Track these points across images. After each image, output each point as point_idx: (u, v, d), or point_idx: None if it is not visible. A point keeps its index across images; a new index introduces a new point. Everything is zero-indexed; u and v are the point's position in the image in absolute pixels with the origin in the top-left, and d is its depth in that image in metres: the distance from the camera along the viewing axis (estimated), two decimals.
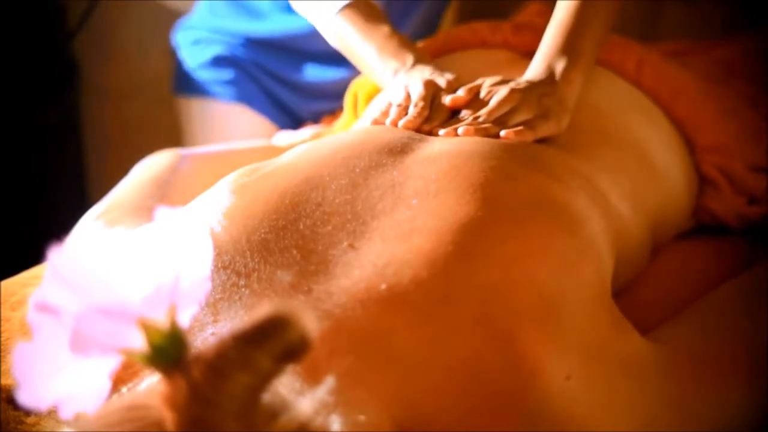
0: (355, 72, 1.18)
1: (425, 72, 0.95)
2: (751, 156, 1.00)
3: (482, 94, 0.88)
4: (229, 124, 1.39)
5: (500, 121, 0.85)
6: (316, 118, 1.38)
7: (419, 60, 0.97)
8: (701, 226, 1.02)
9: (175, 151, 1.11)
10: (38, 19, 1.61)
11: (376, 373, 0.60)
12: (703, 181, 1.00)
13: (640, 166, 0.91)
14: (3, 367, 0.68)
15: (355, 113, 1.11)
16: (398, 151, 0.77)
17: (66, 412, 0.42)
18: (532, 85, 0.89)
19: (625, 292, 0.86)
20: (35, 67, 1.61)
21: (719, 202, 0.99)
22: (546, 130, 0.85)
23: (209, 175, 0.90)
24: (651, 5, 1.31)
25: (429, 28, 1.34)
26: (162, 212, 0.48)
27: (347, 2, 1.02)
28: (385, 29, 1.00)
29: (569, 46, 0.92)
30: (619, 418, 0.64)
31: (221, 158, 1.10)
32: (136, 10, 1.72)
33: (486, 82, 0.91)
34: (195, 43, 1.43)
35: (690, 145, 1.00)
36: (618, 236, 0.80)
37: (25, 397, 0.41)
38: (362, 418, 0.58)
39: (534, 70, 0.93)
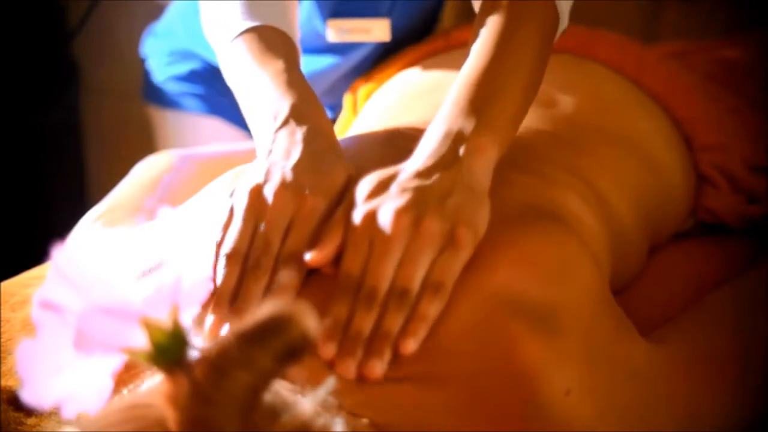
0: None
1: (287, 140, 0.70)
2: (750, 155, 1.00)
3: (357, 219, 0.63)
4: (202, 137, 1.34)
5: (399, 291, 0.61)
6: None
7: (296, 113, 0.73)
8: (701, 226, 1.02)
9: (175, 152, 1.11)
10: (38, 19, 1.61)
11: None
12: (702, 180, 1.01)
13: (639, 163, 0.91)
14: (3, 369, 0.68)
15: (354, 111, 1.11)
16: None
17: (68, 412, 0.42)
18: (427, 183, 0.64)
19: (625, 292, 0.86)
20: (35, 67, 1.61)
21: (718, 201, 0.99)
22: (459, 263, 0.63)
23: (209, 177, 0.90)
24: (651, 5, 1.31)
25: (428, 27, 1.33)
26: (164, 212, 0.48)
27: (247, 27, 0.81)
28: (278, 64, 0.77)
29: (478, 109, 0.69)
30: (621, 424, 0.64)
31: (221, 159, 1.10)
32: (136, 10, 1.72)
33: (360, 194, 0.65)
34: (170, 54, 1.34)
35: (689, 144, 1.01)
36: (616, 236, 0.80)
37: (28, 396, 0.41)
38: (365, 420, 0.58)
39: (428, 143, 0.68)
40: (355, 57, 1.15)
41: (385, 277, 0.61)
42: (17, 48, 1.57)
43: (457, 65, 0.98)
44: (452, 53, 1.06)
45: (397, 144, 0.78)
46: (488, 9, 0.75)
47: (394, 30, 1.12)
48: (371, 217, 0.63)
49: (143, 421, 0.45)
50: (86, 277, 0.41)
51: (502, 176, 0.72)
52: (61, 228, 0.92)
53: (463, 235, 0.62)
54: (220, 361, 0.42)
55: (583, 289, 0.67)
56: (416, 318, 0.61)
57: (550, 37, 0.76)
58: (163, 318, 0.43)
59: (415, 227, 0.62)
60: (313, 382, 0.54)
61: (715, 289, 0.82)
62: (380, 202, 0.64)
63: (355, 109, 1.11)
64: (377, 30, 1.11)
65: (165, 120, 1.37)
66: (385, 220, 0.62)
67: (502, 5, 0.75)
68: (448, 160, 0.66)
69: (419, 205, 0.63)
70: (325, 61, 1.14)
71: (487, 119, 0.69)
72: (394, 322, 0.61)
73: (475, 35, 0.75)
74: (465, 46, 0.77)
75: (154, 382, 0.54)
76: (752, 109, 1.04)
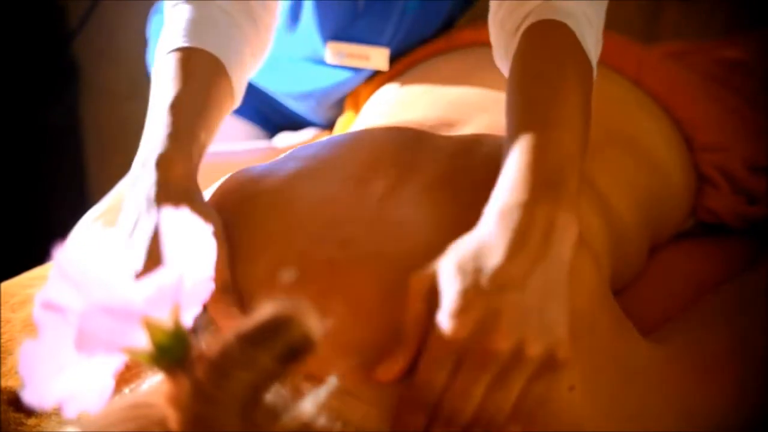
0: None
1: (133, 205, 0.67)
2: (750, 155, 1.00)
3: (445, 327, 0.56)
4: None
5: (488, 417, 0.56)
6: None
7: (158, 157, 0.70)
8: (701, 226, 1.02)
9: None
10: (38, 19, 1.61)
11: (371, 387, 0.60)
12: (702, 180, 1.01)
13: (639, 163, 0.91)
14: (3, 369, 0.68)
15: (356, 110, 1.11)
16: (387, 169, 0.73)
17: (69, 412, 0.42)
18: (523, 297, 0.57)
19: (625, 292, 0.86)
20: (35, 67, 1.61)
21: (719, 201, 0.99)
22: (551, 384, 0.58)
23: (208, 178, 0.90)
24: (651, 5, 1.31)
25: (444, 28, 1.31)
26: (165, 212, 0.48)
27: (178, 46, 0.78)
28: (175, 90, 0.74)
29: (554, 183, 0.61)
30: (619, 423, 0.64)
31: (221, 161, 1.10)
32: (136, 10, 1.72)
33: (448, 296, 0.57)
34: None
35: (689, 144, 1.01)
36: (616, 236, 0.80)
37: (30, 396, 0.41)
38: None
39: (508, 223, 0.60)
40: (368, 71, 1.15)
41: (474, 402, 0.55)
42: (17, 48, 1.57)
43: (457, 65, 0.98)
44: (453, 54, 1.06)
45: (396, 141, 0.78)
46: (527, 67, 0.70)
47: (393, 59, 1.12)
48: (464, 332, 0.56)
49: (144, 421, 0.45)
50: (87, 277, 0.41)
51: None
52: (61, 228, 0.92)
53: (563, 358, 0.57)
54: (222, 361, 0.42)
55: (583, 289, 0.67)
56: None
57: (590, 88, 0.72)
58: (164, 318, 0.43)
59: (515, 353, 0.56)
60: (314, 381, 0.54)
61: (715, 288, 0.82)
62: (472, 313, 0.56)
63: (356, 109, 1.11)
64: (376, 58, 1.10)
65: None
66: (484, 342, 0.55)
67: (541, 63, 0.70)
68: (538, 252, 0.58)
69: (520, 327, 0.56)
70: (341, 75, 1.14)
71: (566, 194, 0.61)
72: None
73: (517, 95, 0.68)
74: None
75: (155, 382, 0.54)
76: (752, 109, 1.04)
